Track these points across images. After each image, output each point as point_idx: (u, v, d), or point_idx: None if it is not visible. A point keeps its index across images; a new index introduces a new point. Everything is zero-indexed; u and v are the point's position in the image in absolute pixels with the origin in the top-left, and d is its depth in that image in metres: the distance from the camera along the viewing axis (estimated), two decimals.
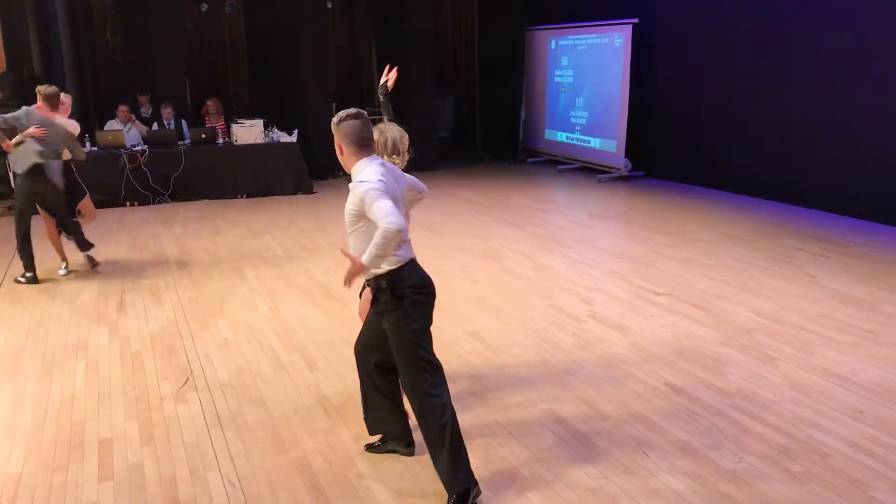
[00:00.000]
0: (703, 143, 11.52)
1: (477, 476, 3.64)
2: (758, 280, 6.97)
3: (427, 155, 13.86)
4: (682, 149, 11.96)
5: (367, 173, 3.46)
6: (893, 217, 8.73)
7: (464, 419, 4.41)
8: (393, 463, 3.95)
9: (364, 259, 3.31)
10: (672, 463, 3.89)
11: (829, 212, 9.49)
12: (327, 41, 13.43)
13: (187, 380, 5.06)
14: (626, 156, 12.43)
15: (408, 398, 3.68)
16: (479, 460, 3.95)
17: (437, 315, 6.11)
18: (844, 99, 9.20)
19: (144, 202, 11.10)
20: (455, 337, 5.71)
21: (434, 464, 3.58)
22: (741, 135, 10.77)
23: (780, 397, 4.61)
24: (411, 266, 3.63)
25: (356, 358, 3.93)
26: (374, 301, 3.66)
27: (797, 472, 3.77)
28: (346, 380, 5.00)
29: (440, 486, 3.62)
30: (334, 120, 3.52)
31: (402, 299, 3.56)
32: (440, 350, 5.44)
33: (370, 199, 3.34)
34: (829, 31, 9.40)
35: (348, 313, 6.32)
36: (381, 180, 3.40)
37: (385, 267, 3.52)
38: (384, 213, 3.26)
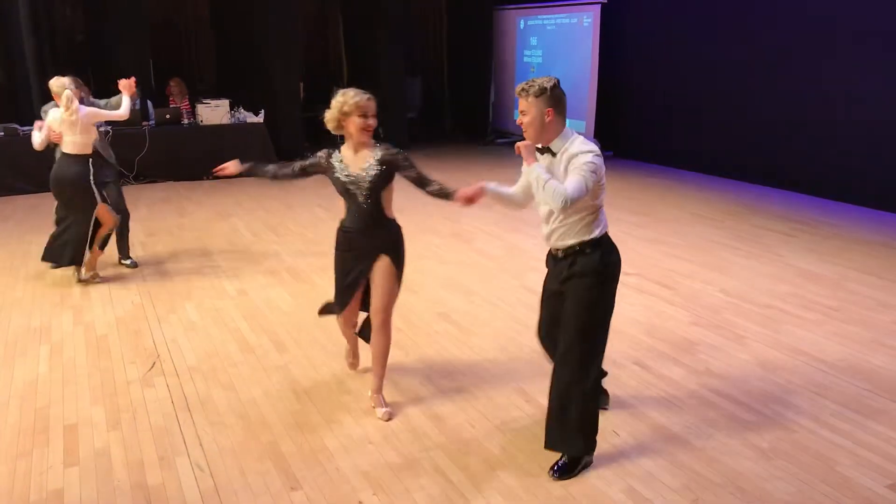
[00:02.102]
0: (672, 123, 11.58)
1: (448, 456, 3.63)
2: (726, 259, 7.03)
3: (396, 136, 13.79)
4: (652, 129, 12.02)
5: (586, 143, 3.45)
6: (858, 196, 8.85)
7: (435, 400, 4.41)
8: (364, 444, 3.93)
9: (538, 170, 3.36)
10: (642, 441, 3.92)
11: (796, 191, 9.60)
12: (294, 20, 13.24)
13: (154, 364, 4.99)
14: (595, 136, 12.45)
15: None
16: (450, 440, 3.94)
17: (408, 297, 6.13)
18: (811, 80, 9.28)
19: None
20: (426, 318, 5.69)
21: (561, 428, 3.59)
22: (710, 115, 10.84)
23: (749, 375, 4.66)
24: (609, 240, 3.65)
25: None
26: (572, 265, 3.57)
27: (765, 448, 3.82)
28: (315, 362, 4.96)
29: (410, 468, 3.62)
30: (545, 86, 3.40)
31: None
32: (411, 332, 5.44)
33: (589, 169, 3.32)
34: (795, 12, 9.46)
35: (317, 295, 6.26)
36: (598, 155, 3.42)
37: (596, 233, 3.54)
38: (578, 189, 3.28)
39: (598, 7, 12.12)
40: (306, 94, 14.49)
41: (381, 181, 4.04)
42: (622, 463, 3.72)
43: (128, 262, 7.15)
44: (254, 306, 6.05)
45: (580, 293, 3.53)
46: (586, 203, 3.45)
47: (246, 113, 11.87)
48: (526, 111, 3.45)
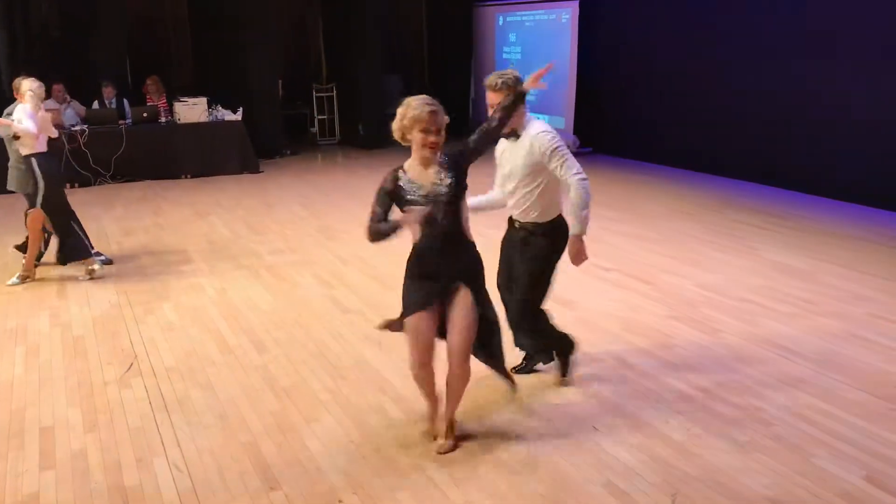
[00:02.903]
0: (650, 119, 11.64)
1: (429, 455, 3.65)
2: (702, 253, 7.08)
3: (375, 132, 13.76)
4: (630, 125, 12.07)
5: (542, 124, 4.06)
6: (832, 190, 8.94)
7: (412, 401, 4.40)
8: (344, 444, 3.92)
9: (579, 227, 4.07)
10: (621, 436, 3.94)
11: (771, 186, 9.67)
12: (273, 18, 13.17)
13: (132, 364, 4.96)
14: (575, 132, 12.49)
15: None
16: (430, 437, 3.94)
17: (382, 292, 6.12)
18: (786, 76, 9.35)
19: (85, 183, 10.78)
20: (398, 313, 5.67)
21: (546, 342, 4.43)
22: (688, 111, 10.89)
23: (725, 368, 4.70)
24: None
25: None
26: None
27: (743, 442, 3.85)
28: (295, 361, 4.94)
29: (392, 471, 3.63)
30: (509, 80, 3.90)
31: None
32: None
33: (562, 150, 3.97)
34: (769, 10, 9.53)
35: (297, 294, 6.25)
36: (552, 132, 4.05)
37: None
38: (578, 172, 3.97)
39: (577, 3, 12.15)
40: (285, 92, 14.43)
41: (458, 187, 3.60)
42: (600, 457, 3.74)
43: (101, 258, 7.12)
44: (233, 306, 6.02)
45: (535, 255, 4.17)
46: (552, 178, 4.03)
47: (224, 111, 11.80)
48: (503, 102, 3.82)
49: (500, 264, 4.40)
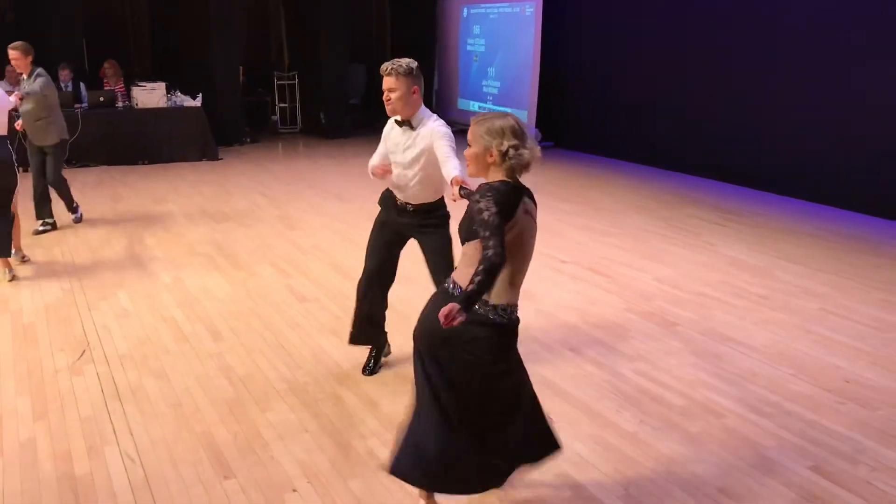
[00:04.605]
0: (612, 114, 11.73)
1: (385, 444, 3.65)
2: (660, 248, 7.17)
3: (339, 122, 13.69)
4: (592, 120, 12.15)
5: (438, 119, 4.06)
6: (788, 188, 9.10)
7: (379, 391, 4.40)
8: (300, 433, 3.90)
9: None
10: (576, 426, 3.97)
11: (729, 183, 9.82)
12: (235, 3, 12.99)
13: (84, 352, 4.87)
14: (537, 126, 12.54)
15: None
16: (385, 427, 3.94)
17: (340, 281, 6.09)
18: (747, 74, 9.49)
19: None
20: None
21: None
22: (649, 107, 11.01)
23: (680, 361, 4.76)
24: None
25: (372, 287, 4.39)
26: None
27: (694, 433, 3.91)
28: (251, 350, 4.90)
29: (346, 459, 3.62)
30: (412, 66, 3.96)
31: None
32: (349, 319, 5.40)
33: (451, 141, 3.90)
34: (732, 8, 9.66)
35: (254, 283, 6.19)
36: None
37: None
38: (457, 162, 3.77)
39: None
40: (246, 79, 14.27)
41: None
42: None
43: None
44: (189, 294, 5.95)
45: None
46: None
47: (183, 97, 11.62)
48: (395, 88, 3.92)
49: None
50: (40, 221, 7.65)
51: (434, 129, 3.98)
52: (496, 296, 2.89)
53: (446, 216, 4.29)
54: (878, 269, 6.56)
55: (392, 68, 3.91)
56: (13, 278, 6.21)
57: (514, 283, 2.96)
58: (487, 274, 2.67)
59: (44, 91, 7.15)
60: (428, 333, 2.96)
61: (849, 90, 8.34)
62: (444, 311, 2.63)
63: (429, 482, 3.09)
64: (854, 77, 8.29)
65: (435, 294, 3.09)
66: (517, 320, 3.02)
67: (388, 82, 3.95)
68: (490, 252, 2.67)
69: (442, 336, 2.86)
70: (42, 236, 7.47)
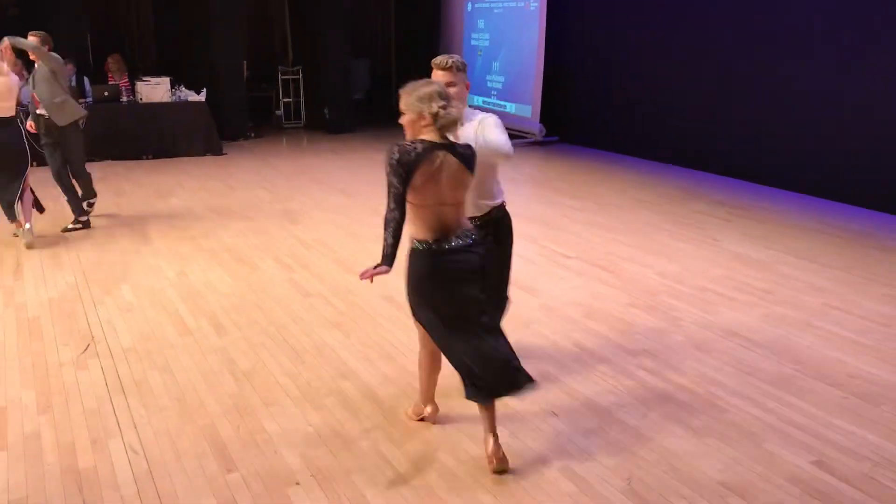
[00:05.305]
0: (616, 109, 11.71)
1: (388, 438, 3.65)
2: (664, 243, 7.16)
3: (343, 118, 13.68)
4: (596, 115, 12.13)
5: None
6: (793, 183, 9.08)
7: (379, 385, 4.41)
8: (303, 427, 3.91)
9: None
10: (579, 421, 3.98)
11: (734, 177, 9.80)
12: None
13: (88, 346, 4.89)
14: (541, 121, 12.53)
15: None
16: (390, 421, 3.95)
17: (343, 276, 6.10)
18: (748, 68, 9.46)
19: (43, 162, 10.50)
20: (370, 301, 5.67)
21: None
22: (653, 102, 10.98)
23: (683, 356, 4.76)
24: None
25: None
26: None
27: (697, 427, 3.91)
28: (254, 344, 4.91)
29: (349, 451, 3.63)
30: (461, 65, 3.86)
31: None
32: (355, 315, 5.42)
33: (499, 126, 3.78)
34: (734, 1, 9.63)
35: (258, 277, 6.21)
36: None
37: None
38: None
39: None
40: (250, 74, 14.27)
41: None
42: (558, 442, 3.78)
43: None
44: (193, 288, 5.96)
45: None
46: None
47: (187, 91, 11.63)
48: (457, 83, 3.77)
49: None
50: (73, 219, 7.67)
51: (482, 119, 3.77)
52: (418, 234, 3.36)
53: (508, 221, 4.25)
54: (882, 264, 6.54)
55: (452, 62, 3.78)
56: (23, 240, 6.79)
57: (430, 224, 3.32)
58: (385, 228, 3.26)
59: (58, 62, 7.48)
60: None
61: (855, 83, 8.31)
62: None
63: (476, 392, 3.50)
64: (860, 70, 8.25)
65: None
66: (440, 248, 3.34)
67: (446, 76, 3.75)
68: (385, 210, 3.25)
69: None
70: (47, 231, 7.43)
